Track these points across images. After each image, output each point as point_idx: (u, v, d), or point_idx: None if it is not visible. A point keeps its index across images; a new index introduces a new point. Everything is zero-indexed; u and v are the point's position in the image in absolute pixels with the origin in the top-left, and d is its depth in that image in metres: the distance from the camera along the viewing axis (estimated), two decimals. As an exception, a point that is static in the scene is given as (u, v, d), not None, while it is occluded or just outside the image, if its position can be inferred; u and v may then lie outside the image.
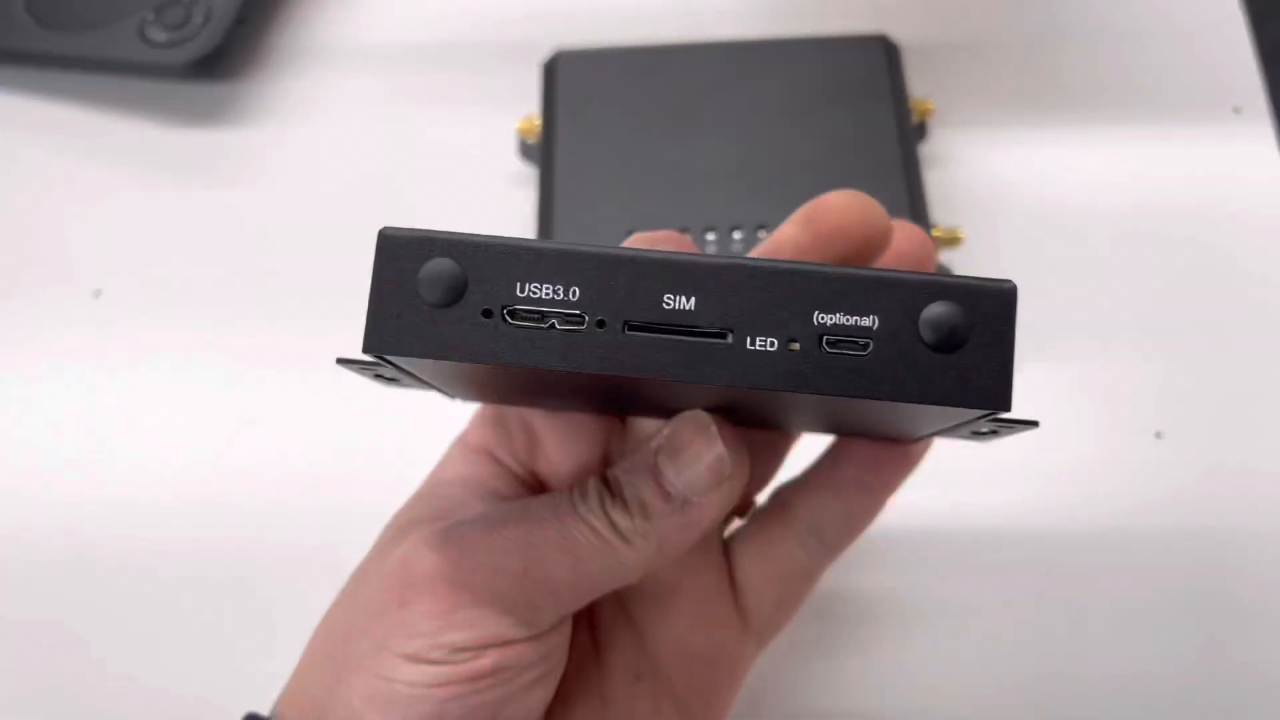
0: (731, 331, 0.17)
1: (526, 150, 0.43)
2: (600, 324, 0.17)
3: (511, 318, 0.17)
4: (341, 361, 0.20)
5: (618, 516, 0.22)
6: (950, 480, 0.33)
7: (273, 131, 0.46)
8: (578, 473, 0.26)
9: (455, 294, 0.17)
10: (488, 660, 0.21)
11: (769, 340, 0.17)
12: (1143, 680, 0.33)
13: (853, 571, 0.35)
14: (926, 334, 0.17)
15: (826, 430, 0.27)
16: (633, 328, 0.17)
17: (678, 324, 0.17)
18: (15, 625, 0.36)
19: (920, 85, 0.44)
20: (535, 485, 0.26)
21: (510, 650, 0.22)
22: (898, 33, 0.43)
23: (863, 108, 0.41)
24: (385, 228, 0.18)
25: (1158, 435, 0.37)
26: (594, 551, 0.22)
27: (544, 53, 0.44)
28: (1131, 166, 0.43)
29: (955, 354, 0.17)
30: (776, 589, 0.27)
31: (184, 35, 0.45)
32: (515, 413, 0.26)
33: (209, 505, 0.37)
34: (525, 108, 0.43)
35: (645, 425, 0.26)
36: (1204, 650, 0.34)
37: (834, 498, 0.27)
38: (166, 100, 0.47)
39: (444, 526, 0.23)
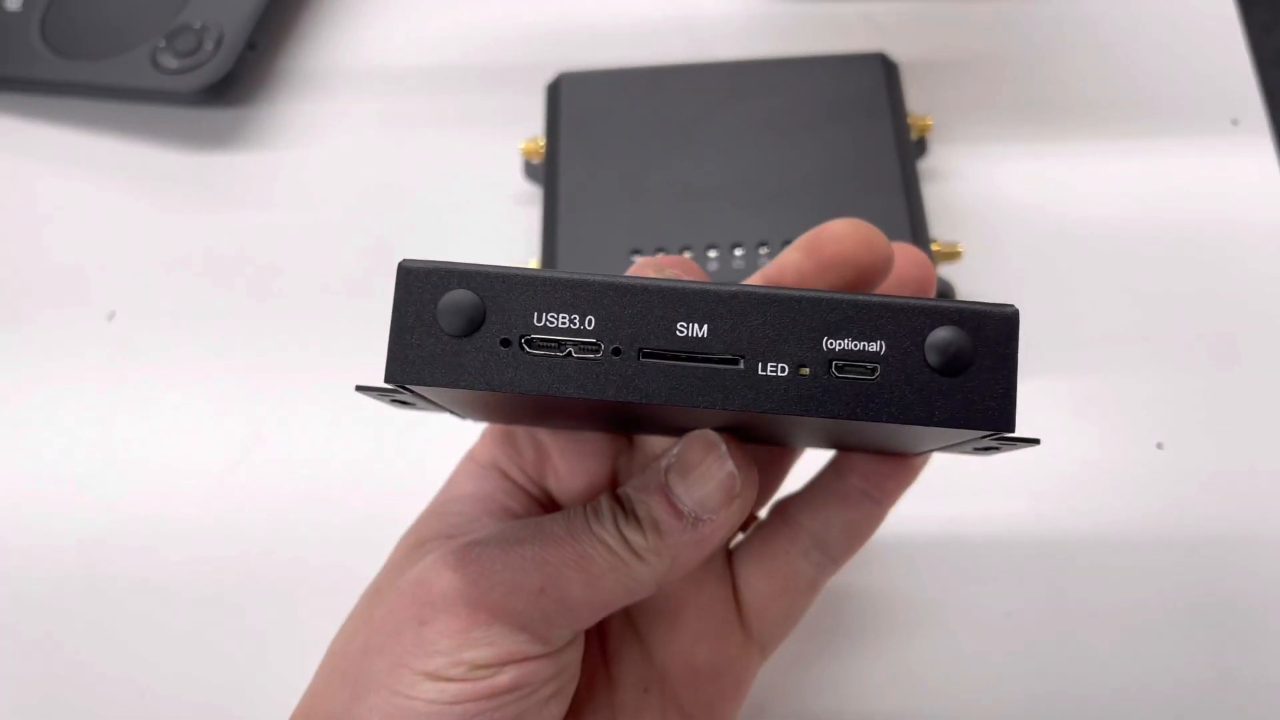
0: (743, 358, 0.18)
1: (531, 170, 0.43)
2: (616, 352, 0.18)
3: (529, 347, 0.18)
4: (361, 389, 0.20)
5: (631, 534, 0.22)
6: (952, 490, 0.33)
7: (283, 155, 0.47)
8: (587, 489, 0.26)
9: (474, 324, 0.18)
10: (505, 677, 0.22)
11: (780, 366, 0.18)
12: (1146, 689, 0.33)
13: (856, 579, 0.35)
14: (932, 358, 0.18)
15: (830, 446, 0.27)
16: (647, 355, 0.18)
17: (691, 351, 0.18)
18: (30, 640, 0.36)
19: (919, 102, 0.44)
20: (545, 500, 0.27)
21: (527, 666, 0.22)
22: (896, 50, 0.44)
23: (862, 125, 0.41)
24: (405, 260, 0.18)
25: (1159, 446, 0.37)
26: (609, 569, 0.22)
27: (548, 75, 0.44)
28: (1130, 179, 0.43)
29: (960, 377, 0.18)
30: (780, 602, 0.28)
31: (195, 62, 0.46)
32: (525, 430, 0.27)
33: (221, 522, 0.38)
34: (530, 129, 0.44)
35: (654, 442, 0.27)
36: (1208, 659, 0.34)
37: (837, 510, 0.27)
38: (178, 125, 0.47)
39: (460, 545, 0.23)
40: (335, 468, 0.39)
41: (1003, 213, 0.43)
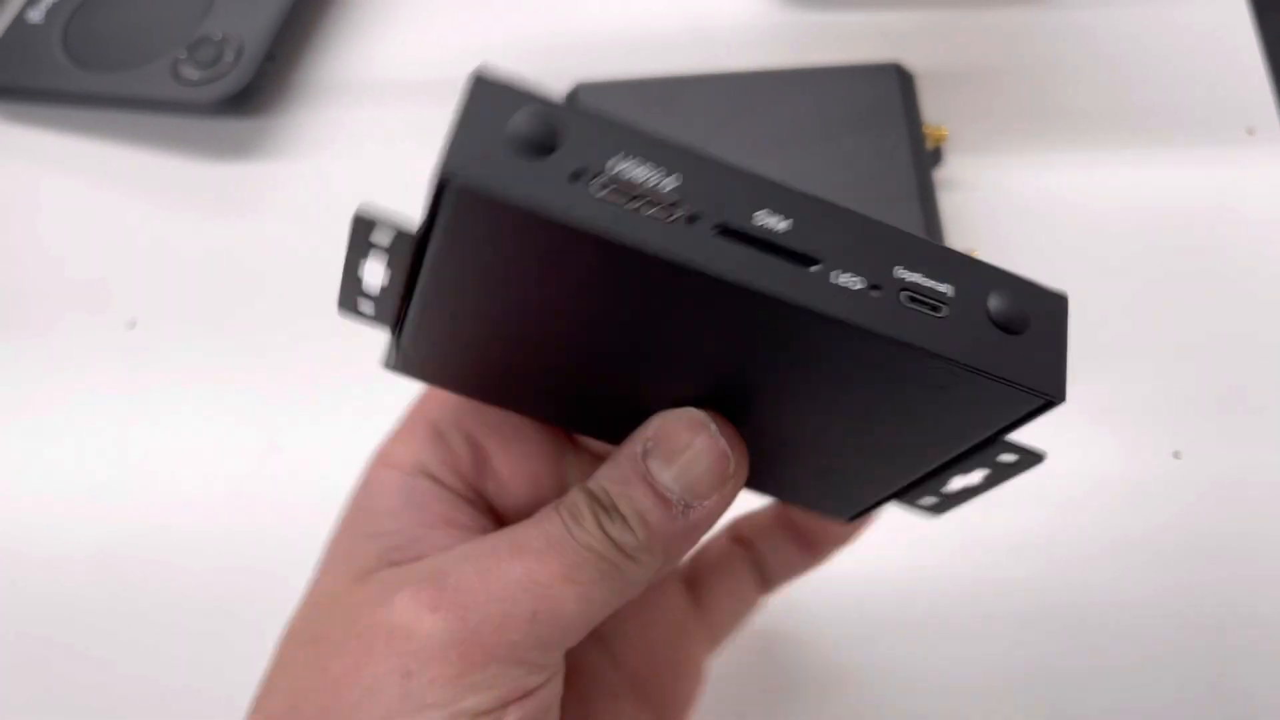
0: (820, 262, 0.17)
1: (548, 180, 0.43)
2: (691, 219, 0.16)
3: (600, 187, 0.16)
4: (345, 302, 0.20)
5: (618, 533, 0.20)
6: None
7: (302, 164, 0.47)
8: (532, 495, 0.23)
9: (544, 150, 0.16)
10: (510, 718, 0.20)
11: (855, 279, 0.17)
12: (1160, 698, 0.33)
13: (868, 587, 0.35)
14: (994, 311, 0.18)
15: (783, 474, 0.24)
16: (723, 233, 0.17)
17: (770, 240, 0.17)
18: (47, 648, 0.36)
19: (934, 111, 0.44)
20: (485, 509, 0.24)
21: (530, 700, 0.20)
22: (911, 60, 0.44)
23: (877, 134, 0.41)
24: (480, 69, 0.16)
25: (1176, 455, 0.37)
26: (600, 576, 0.20)
27: (564, 85, 0.45)
28: (1146, 188, 0.43)
29: (1017, 337, 0.18)
30: (727, 603, 0.29)
31: (216, 73, 0.46)
32: (456, 425, 0.24)
33: (238, 531, 0.38)
34: (546, 139, 0.44)
35: (597, 445, 0.24)
36: (1226, 667, 0.34)
37: (783, 540, 0.28)
38: (198, 136, 0.48)
39: (425, 575, 0.20)
40: (353, 478, 0.39)
41: (1018, 222, 0.43)
